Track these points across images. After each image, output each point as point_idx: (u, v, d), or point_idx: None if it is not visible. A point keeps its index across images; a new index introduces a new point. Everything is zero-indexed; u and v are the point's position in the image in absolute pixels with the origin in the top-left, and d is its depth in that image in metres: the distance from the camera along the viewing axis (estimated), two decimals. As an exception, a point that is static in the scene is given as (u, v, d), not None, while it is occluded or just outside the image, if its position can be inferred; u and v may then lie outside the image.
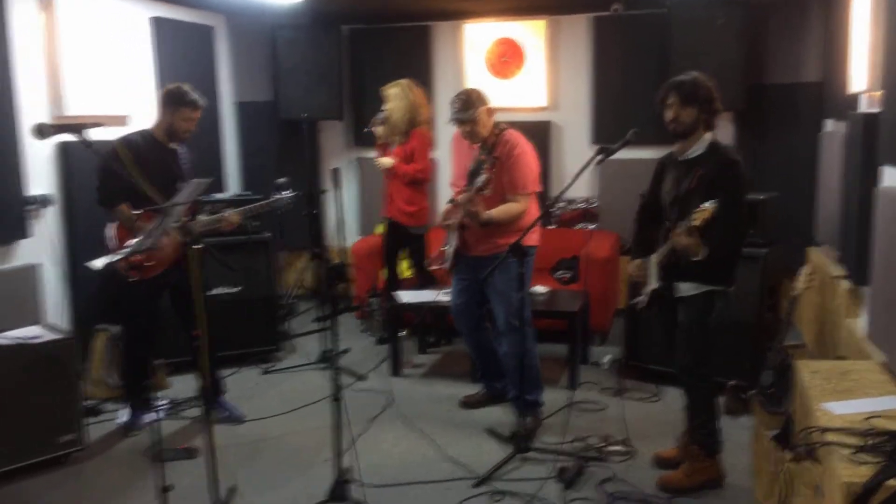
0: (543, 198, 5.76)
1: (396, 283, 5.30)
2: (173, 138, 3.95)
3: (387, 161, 5.04)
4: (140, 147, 3.84)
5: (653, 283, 3.40)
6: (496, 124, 4.00)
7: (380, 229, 6.08)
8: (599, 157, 3.39)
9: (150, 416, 4.15)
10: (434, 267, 4.27)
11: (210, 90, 5.93)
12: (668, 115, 3.23)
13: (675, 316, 3.40)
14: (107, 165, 3.73)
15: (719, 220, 3.04)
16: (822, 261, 4.62)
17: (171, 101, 3.87)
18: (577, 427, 3.98)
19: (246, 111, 6.42)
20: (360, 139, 6.56)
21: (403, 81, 5.05)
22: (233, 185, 6.33)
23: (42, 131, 2.64)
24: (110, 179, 3.73)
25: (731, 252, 3.26)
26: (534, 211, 4.02)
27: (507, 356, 4.08)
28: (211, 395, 4.19)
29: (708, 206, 2.98)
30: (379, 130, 5.15)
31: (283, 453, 3.82)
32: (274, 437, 4.01)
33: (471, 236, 4.01)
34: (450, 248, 4.13)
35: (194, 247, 2.92)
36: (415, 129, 5.02)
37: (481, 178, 3.74)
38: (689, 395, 3.46)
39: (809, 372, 2.98)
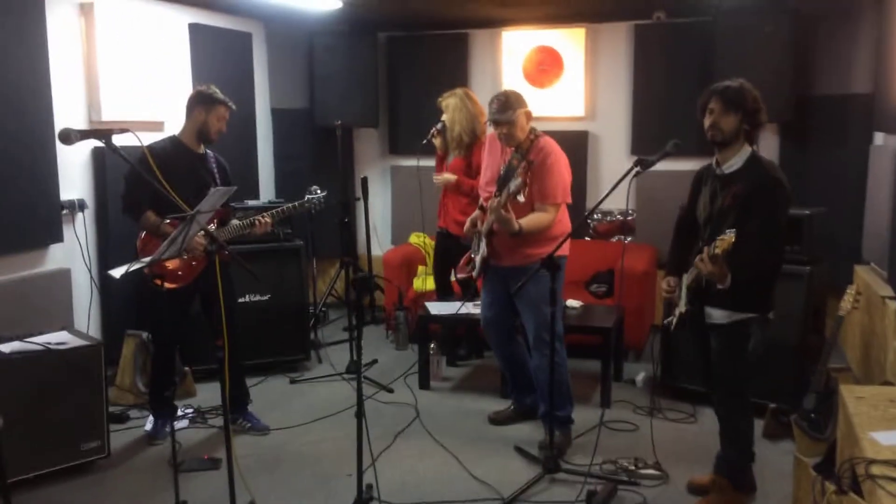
0: (579, 209, 5.67)
1: (447, 293, 5.18)
2: (204, 140, 3.93)
3: (449, 177, 4.90)
4: (169, 153, 3.82)
5: (681, 307, 3.24)
6: (531, 130, 3.91)
7: (413, 239, 6.03)
8: (636, 170, 3.27)
9: (175, 425, 4.15)
10: (461, 276, 4.16)
11: (246, 96, 5.95)
12: (707, 121, 3.07)
13: (707, 341, 3.24)
14: (134, 173, 3.72)
15: (752, 242, 2.89)
16: (869, 280, 4.43)
17: (205, 100, 3.86)
18: (609, 447, 3.85)
19: (281, 118, 6.41)
20: (394, 147, 6.54)
21: (459, 91, 4.92)
22: (267, 192, 6.32)
23: (68, 136, 2.62)
24: (136, 187, 3.72)
25: (765, 277, 3.07)
26: (564, 221, 3.91)
27: (537, 370, 3.97)
28: (236, 406, 4.17)
29: (729, 235, 2.80)
30: (437, 141, 5.05)
31: (305, 466, 3.75)
32: (297, 449, 3.94)
33: (500, 244, 3.91)
34: (478, 257, 4.03)
35: (218, 255, 2.89)
36: (478, 141, 4.85)
37: (515, 183, 3.62)
38: (724, 426, 3.31)
39: (855, 398, 2.82)
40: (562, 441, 3.87)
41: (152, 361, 4.13)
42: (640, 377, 4.85)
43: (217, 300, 3.82)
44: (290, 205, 4.18)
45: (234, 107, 3.96)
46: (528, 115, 3.87)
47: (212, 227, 3.85)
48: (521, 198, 3.74)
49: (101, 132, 2.64)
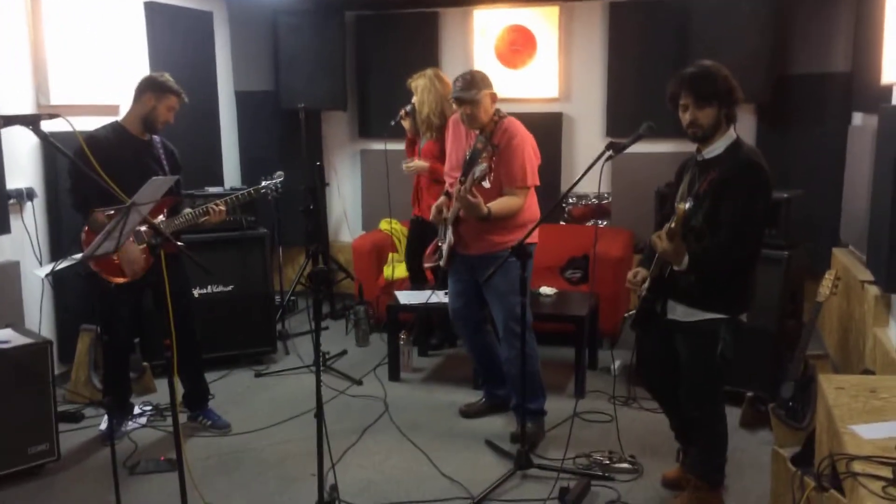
0: (554, 193, 5.53)
1: (422, 281, 5.02)
2: (149, 128, 3.72)
3: (421, 164, 4.73)
4: (112, 141, 3.62)
5: (641, 292, 3.02)
6: (496, 112, 3.75)
7: (383, 225, 5.86)
8: (609, 154, 3.11)
9: (130, 425, 3.98)
10: (428, 265, 4.01)
11: (208, 79, 5.74)
12: (685, 118, 2.85)
13: (668, 339, 3.03)
14: (76, 166, 3.54)
15: (722, 229, 2.73)
16: (848, 263, 4.33)
17: (157, 87, 3.65)
18: (583, 440, 3.73)
19: (246, 101, 6.19)
20: (364, 130, 6.35)
21: (429, 71, 4.74)
22: (231, 178, 6.11)
23: (-11, 122, 2.42)
24: (80, 180, 3.51)
25: (735, 270, 2.84)
26: (532, 207, 3.77)
27: (507, 362, 3.84)
28: (195, 403, 4.00)
29: (681, 205, 2.63)
30: (406, 123, 4.87)
31: (267, 467, 3.59)
32: (259, 448, 3.78)
33: (467, 232, 3.76)
34: (444, 245, 3.88)
35: (165, 247, 2.71)
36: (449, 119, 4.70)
37: (480, 168, 3.48)
38: (696, 429, 3.12)
39: (834, 388, 2.71)
40: (534, 434, 3.74)
41: (104, 358, 3.94)
42: (615, 365, 4.72)
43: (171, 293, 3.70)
44: (244, 191, 3.98)
45: (186, 99, 3.74)
46: (493, 97, 3.72)
47: (161, 217, 3.65)
48: (486, 183, 3.60)
49: (28, 118, 2.43)
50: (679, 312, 2.93)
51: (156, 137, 3.82)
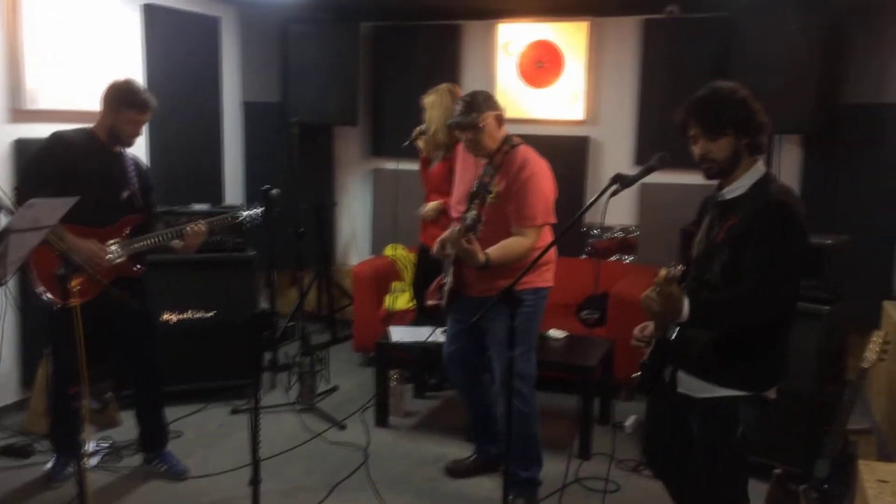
0: (576, 225, 5.08)
1: (428, 316, 4.56)
2: (116, 142, 3.38)
3: (433, 206, 4.30)
4: (77, 146, 3.30)
5: (645, 359, 2.54)
6: (507, 138, 3.31)
7: (388, 251, 5.45)
8: (614, 188, 2.63)
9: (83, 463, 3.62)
10: (430, 302, 3.58)
11: (211, 88, 5.43)
12: (695, 151, 2.38)
13: (676, 414, 2.53)
14: (34, 163, 3.30)
15: (741, 285, 2.25)
16: (902, 322, 3.78)
17: (115, 99, 3.31)
18: (581, 515, 3.25)
19: (253, 112, 5.86)
20: (377, 148, 5.97)
21: (443, 87, 4.32)
22: (233, 194, 5.76)
23: None
24: (36, 180, 3.20)
25: (758, 337, 2.32)
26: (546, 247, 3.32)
27: (503, 419, 3.38)
28: (152, 444, 3.63)
29: (663, 271, 2.18)
30: (422, 143, 4.47)
31: (219, 524, 3.19)
32: (216, 498, 3.38)
33: (470, 272, 3.32)
34: (447, 283, 3.45)
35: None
36: (459, 143, 4.30)
37: (470, 216, 3.05)
38: None
39: (876, 480, 2.22)
40: (524, 509, 3.27)
41: (51, 388, 3.58)
42: (630, 421, 4.23)
43: (128, 320, 3.34)
44: (215, 218, 3.58)
45: (153, 107, 3.37)
46: (500, 119, 3.29)
47: (114, 240, 3.30)
48: (477, 233, 3.15)
49: None
50: (689, 386, 2.43)
51: (127, 152, 3.49)
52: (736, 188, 2.38)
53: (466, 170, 3.45)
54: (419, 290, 4.57)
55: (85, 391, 3.43)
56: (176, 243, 3.45)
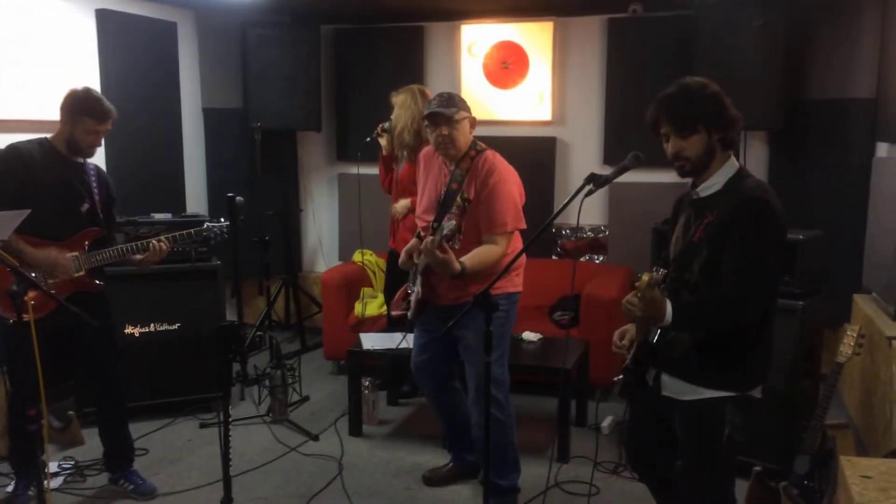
0: (543, 230, 5.02)
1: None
2: (75, 153, 3.25)
3: (403, 205, 4.26)
4: (34, 158, 3.16)
5: (627, 361, 2.48)
6: (473, 143, 3.25)
7: (357, 257, 5.36)
8: (588, 188, 2.58)
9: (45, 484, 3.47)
10: (395, 312, 3.51)
11: (170, 94, 5.27)
12: (667, 149, 2.33)
13: (659, 416, 2.48)
14: None
15: (722, 285, 2.21)
16: (872, 314, 3.80)
17: (73, 108, 3.18)
18: (561, 520, 3.19)
19: (214, 119, 5.72)
20: (342, 153, 5.87)
21: (414, 87, 4.29)
22: (196, 203, 5.61)
23: None
24: None
25: (745, 331, 2.27)
26: (517, 252, 3.26)
27: (477, 427, 3.32)
28: (116, 463, 3.49)
29: (644, 277, 2.14)
30: (384, 141, 4.39)
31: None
32: (186, 519, 3.27)
33: (439, 281, 3.25)
34: (414, 293, 3.37)
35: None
36: (423, 145, 4.24)
37: (448, 226, 2.96)
38: None
39: (859, 476, 2.17)
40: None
41: (8, 407, 3.43)
42: (606, 422, 4.19)
43: (88, 336, 3.20)
44: (184, 232, 3.45)
45: (113, 116, 3.24)
46: (473, 123, 3.25)
47: (73, 254, 3.18)
48: (455, 243, 3.08)
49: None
50: (673, 388, 2.38)
51: (89, 162, 3.36)
52: (711, 185, 2.34)
53: (431, 177, 3.37)
54: (391, 297, 4.49)
55: (44, 410, 3.31)
56: (136, 257, 3.33)
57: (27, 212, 2.50)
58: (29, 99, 4.22)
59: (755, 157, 4.86)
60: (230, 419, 4.18)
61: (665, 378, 2.39)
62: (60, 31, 4.44)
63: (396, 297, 3.54)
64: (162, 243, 3.31)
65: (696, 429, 2.36)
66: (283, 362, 4.31)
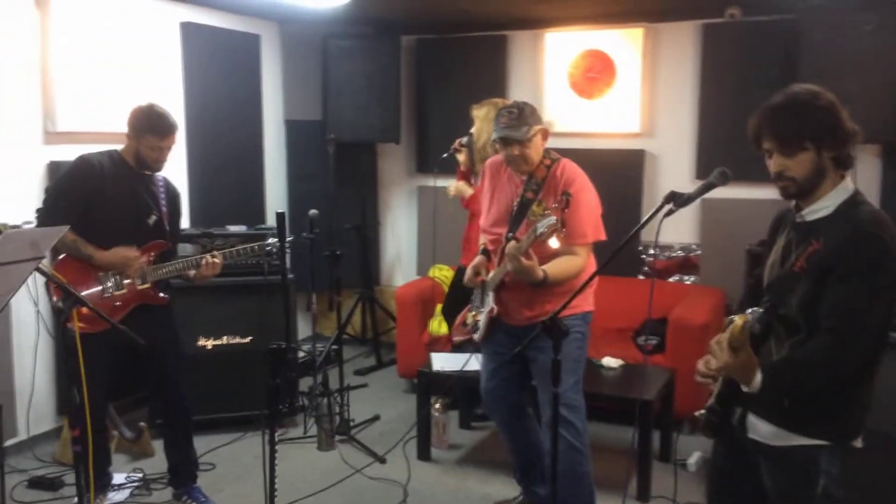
0: (632, 245, 4.77)
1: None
2: (143, 167, 3.25)
3: (463, 187, 4.14)
4: (104, 169, 3.17)
5: (710, 401, 2.19)
6: (547, 152, 3.07)
7: (434, 272, 5.22)
8: (668, 207, 2.33)
9: (112, 497, 3.48)
10: (458, 338, 3.34)
11: (254, 106, 5.30)
12: (771, 167, 2.05)
13: (745, 460, 2.18)
14: (60, 185, 3.21)
15: (823, 331, 1.93)
16: None
17: (136, 125, 3.18)
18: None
19: (295, 131, 5.71)
20: (422, 165, 5.76)
21: (498, 101, 4.11)
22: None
23: None
24: (62, 200, 3.12)
25: (844, 384, 1.98)
26: (592, 267, 3.06)
27: (550, 456, 3.09)
28: (180, 479, 3.46)
29: (738, 321, 1.86)
30: (462, 156, 4.25)
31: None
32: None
33: (512, 299, 3.07)
34: (482, 315, 3.19)
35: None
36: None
37: (546, 222, 2.71)
38: None
39: None
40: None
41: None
42: (693, 459, 3.89)
43: (154, 351, 3.17)
44: (238, 248, 3.42)
45: (174, 131, 3.23)
46: (545, 134, 3.07)
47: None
48: (553, 242, 2.78)
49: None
50: (760, 431, 2.10)
51: (158, 175, 3.35)
52: (818, 209, 2.02)
53: (500, 189, 3.19)
54: (450, 314, 4.33)
55: (111, 422, 3.29)
56: (189, 273, 3.30)
57: (66, 228, 2.49)
58: (112, 112, 4.27)
59: (866, 175, 4.45)
60: (285, 439, 4.16)
61: (751, 419, 2.12)
62: (146, 45, 4.50)
63: (456, 322, 3.37)
64: (216, 258, 3.27)
65: (785, 478, 2.07)
66: (329, 390, 4.20)
